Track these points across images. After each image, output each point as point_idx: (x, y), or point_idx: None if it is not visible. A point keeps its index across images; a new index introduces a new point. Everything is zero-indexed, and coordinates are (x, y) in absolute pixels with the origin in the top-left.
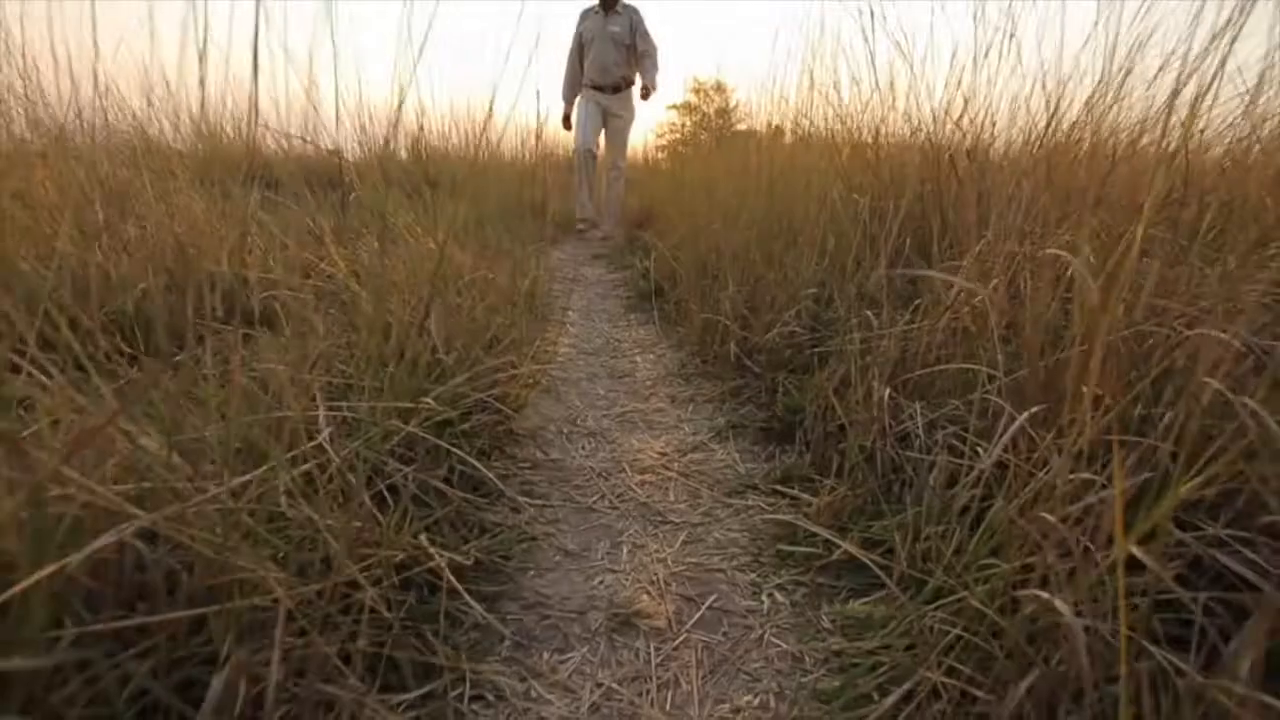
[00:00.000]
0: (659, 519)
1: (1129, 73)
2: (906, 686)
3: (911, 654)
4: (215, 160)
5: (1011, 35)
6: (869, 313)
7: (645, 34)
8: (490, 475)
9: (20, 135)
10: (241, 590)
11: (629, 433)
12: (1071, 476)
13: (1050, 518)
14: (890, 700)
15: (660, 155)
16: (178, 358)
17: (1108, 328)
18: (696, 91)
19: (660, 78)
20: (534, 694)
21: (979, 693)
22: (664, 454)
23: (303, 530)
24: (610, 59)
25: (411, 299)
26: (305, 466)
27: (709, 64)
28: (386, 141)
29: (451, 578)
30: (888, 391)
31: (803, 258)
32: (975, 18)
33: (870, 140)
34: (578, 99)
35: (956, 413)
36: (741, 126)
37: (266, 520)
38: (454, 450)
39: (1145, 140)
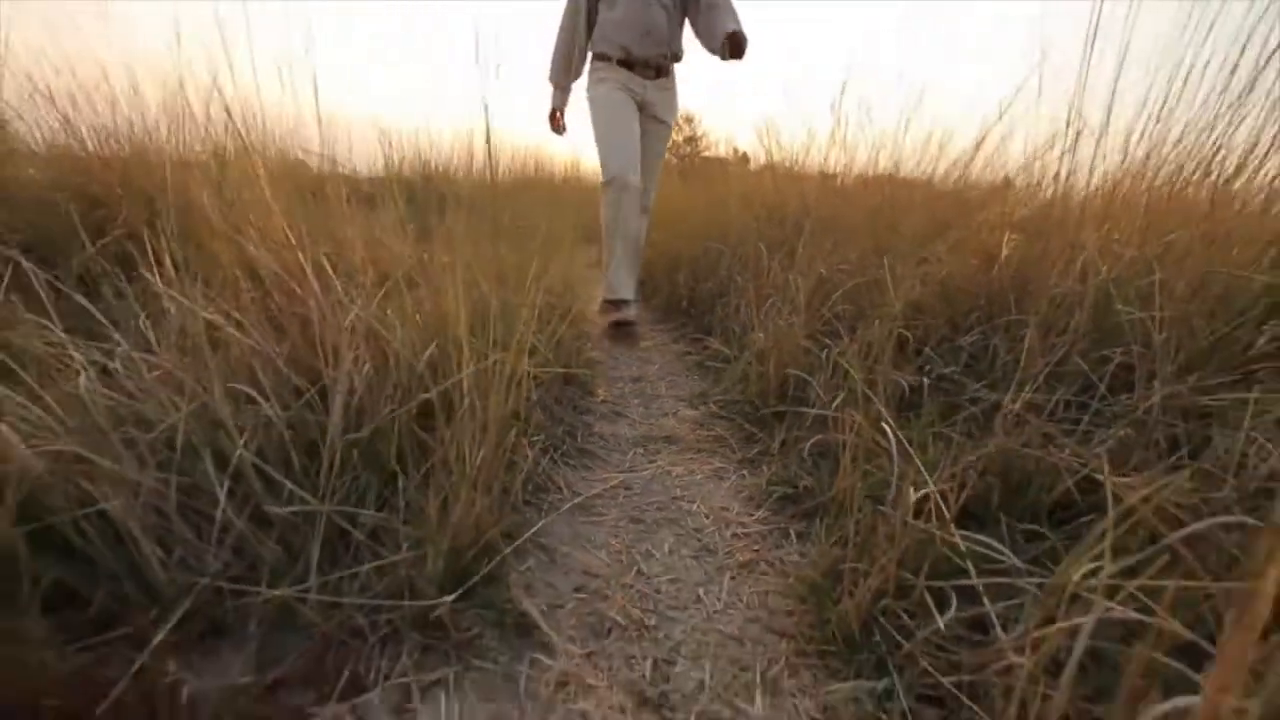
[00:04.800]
0: (644, 361)
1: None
2: (727, 382)
3: (732, 376)
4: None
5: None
6: (741, 278)
7: None
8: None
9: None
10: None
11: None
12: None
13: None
14: (723, 385)
15: None
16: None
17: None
18: None
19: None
20: (615, 457)
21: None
22: (646, 347)
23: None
24: (656, 17)
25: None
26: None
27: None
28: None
29: (600, 397)
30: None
31: (722, 256)
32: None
33: (773, 181)
34: (592, 83)
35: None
36: (709, 154)
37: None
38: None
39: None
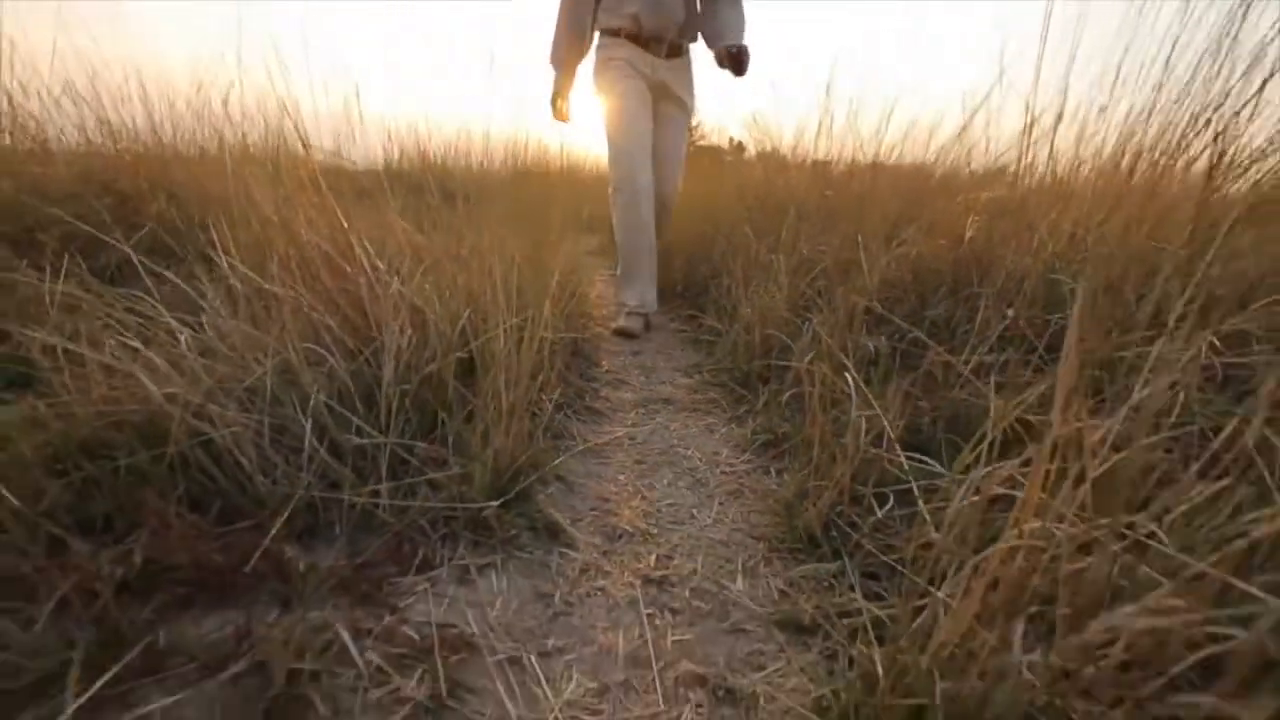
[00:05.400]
0: (644, 339)
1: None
2: (719, 354)
3: (724, 348)
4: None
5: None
6: (732, 263)
7: None
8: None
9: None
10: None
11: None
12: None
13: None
14: (715, 357)
15: None
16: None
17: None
18: None
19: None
20: (619, 416)
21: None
22: (647, 327)
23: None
24: None
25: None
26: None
27: None
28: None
29: (604, 367)
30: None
31: (714, 245)
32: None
33: (764, 177)
34: (599, 65)
35: (760, 289)
36: (704, 143)
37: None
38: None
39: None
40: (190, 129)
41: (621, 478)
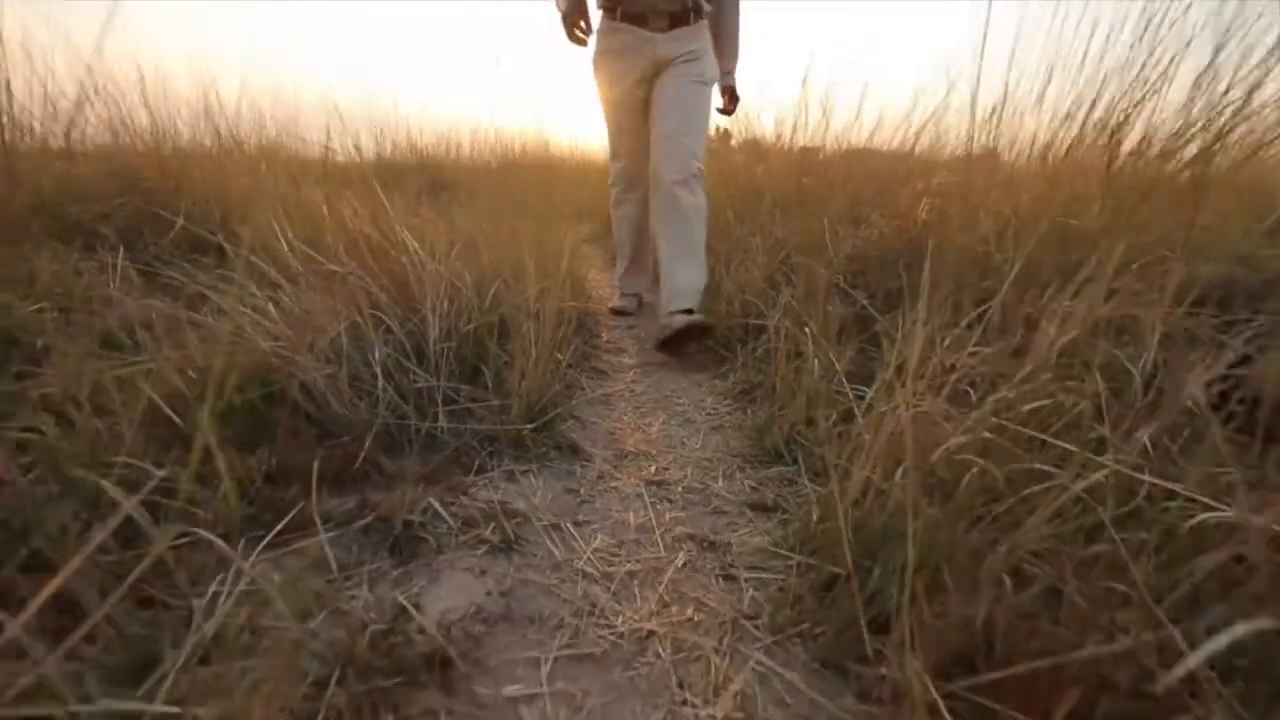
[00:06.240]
0: (637, 314)
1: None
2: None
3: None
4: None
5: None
6: (716, 244)
7: None
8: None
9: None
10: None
11: None
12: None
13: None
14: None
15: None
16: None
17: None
18: None
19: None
20: (619, 375)
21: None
22: (639, 306)
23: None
24: None
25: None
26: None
27: None
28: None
29: (604, 338)
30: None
31: None
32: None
33: (744, 169)
34: (598, 53)
35: (740, 268)
36: None
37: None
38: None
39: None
40: (200, 131)
41: (625, 418)
